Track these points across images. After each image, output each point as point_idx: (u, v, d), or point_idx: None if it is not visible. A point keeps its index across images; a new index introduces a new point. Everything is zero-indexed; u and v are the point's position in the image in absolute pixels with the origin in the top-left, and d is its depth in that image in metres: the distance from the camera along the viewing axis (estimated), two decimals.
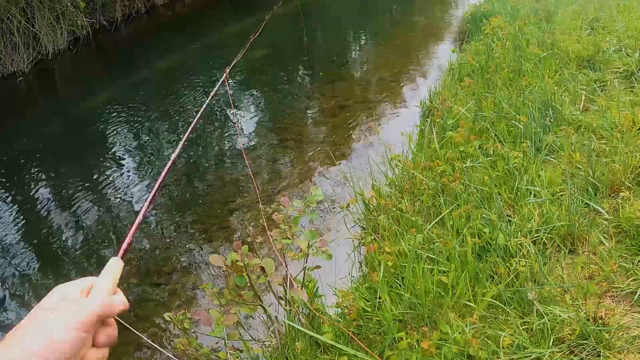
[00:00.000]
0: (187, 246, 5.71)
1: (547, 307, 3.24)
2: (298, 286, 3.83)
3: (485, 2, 11.47)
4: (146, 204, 1.28)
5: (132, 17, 15.45)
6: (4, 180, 7.76)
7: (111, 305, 0.92)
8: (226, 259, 3.37)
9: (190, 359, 3.52)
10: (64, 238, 6.23)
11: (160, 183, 1.33)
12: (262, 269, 3.51)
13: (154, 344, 4.19)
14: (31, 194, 7.30)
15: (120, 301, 0.95)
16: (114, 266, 1.01)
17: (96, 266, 5.62)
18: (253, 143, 7.93)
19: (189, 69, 11.82)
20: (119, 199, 6.91)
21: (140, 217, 1.22)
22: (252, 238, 4.73)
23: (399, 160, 5.40)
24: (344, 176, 5.71)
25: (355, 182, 5.40)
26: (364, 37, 13.52)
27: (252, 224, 5.69)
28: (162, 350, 4.18)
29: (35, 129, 9.53)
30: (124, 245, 1.09)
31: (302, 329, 3.42)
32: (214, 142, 8.24)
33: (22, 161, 8.25)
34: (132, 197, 6.86)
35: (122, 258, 1.05)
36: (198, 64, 12.15)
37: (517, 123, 5.33)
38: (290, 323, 3.51)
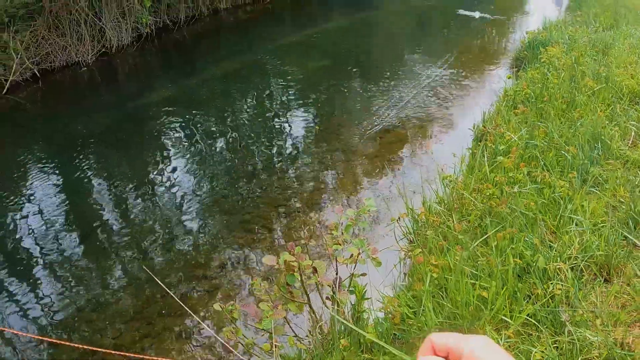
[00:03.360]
0: (234, 244, 5.99)
1: (578, 330, 3.49)
2: (345, 290, 4.12)
3: (544, 29, 11.59)
4: None
5: (195, 18, 15.94)
6: (57, 161, 8.29)
7: None
8: (279, 259, 3.71)
9: (235, 348, 3.83)
10: (107, 225, 6.59)
11: None
12: (315, 269, 3.84)
13: (207, 328, 4.53)
14: (79, 177, 7.73)
15: None
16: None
17: (136, 254, 6.02)
18: (303, 150, 8.24)
19: (246, 75, 12.16)
20: (163, 195, 7.22)
21: None
22: (305, 240, 5.08)
23: (450, 180, 5.68)
24: (399, 191, 5.97)
25: (404, 197, 5.70)
26: (418, 55, 13.72)
27: (307, 227, 6.00)
28: (214, 334, 4.52)
29: (92, 117, 9.96)
30: None
31: (347, 323, 3.72)
32: (265, 146, 8.54)
33: (77, 146, 8.72)
34: (177, 195, 7.16)
35: None
36: (255, 71, 12.51)
37: (566, 154, 5.56)
38: (339, 318, 3.83)
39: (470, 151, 6.74)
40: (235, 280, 5.48)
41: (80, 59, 12.83)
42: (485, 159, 5.81)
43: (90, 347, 3.78)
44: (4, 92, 11.17)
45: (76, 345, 4.00)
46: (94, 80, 12.51)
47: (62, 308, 5.26)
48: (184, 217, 6.65)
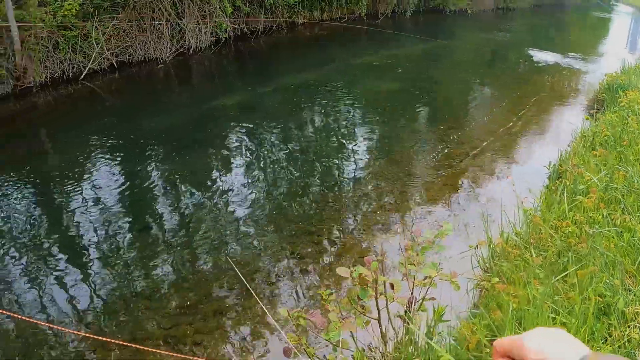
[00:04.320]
0: (299, 254, 6.04)
1: None
2: (419, 311, 4.15)
3: (622, 73, 11.48)
4: None
5: (272, 30, 16.26)
6: (122, 152, 8.56)
7: None
8: (353, 272, 3.75)
9: (295, 356, 3.87)
10: (166, 220, 6.77)
11: None
12: (391, 285, 3.88)
13: (278, 326, 4.55)
14: (143, 170, 7.99)
15: None
16: None
17: (194, 253, 6.11)
18: (371, 169, 8.29)
19: (317, 88, 12.39)
20: (226, 197, 7.33)
21: None
22: (381, 256, 5.12)
23: (529, 214, 5.69)
24: (482, 219, 5.98)
25: (477, 228, 5.73)
26: (487, 88, 13.72)
27: (382, 244, 6.04)
28: (285, 337, 4.56)
29: (163, 113, 10.33)
30: None
31: (430, 342, 3.75)
32: (333, 161, 8.64)
33: (144, 139, 9.05)
34: (240, 199, 7.25)
35: None
36: (326, 85, 12.71)
37: None
38: (423, 336, 3.87)
39: (547, 188, 6.73)
40: (298, 290, 5.50)
41: (157, 56, 13.29)
42: (565, 197, 5.80)
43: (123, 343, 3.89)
44: (81, 77, 11.63)
45: (112, 340, 4.09)
46: (169, 78, 12.90)
47: (116, 297, 5.38)
48: (247, 222, 6.73)
